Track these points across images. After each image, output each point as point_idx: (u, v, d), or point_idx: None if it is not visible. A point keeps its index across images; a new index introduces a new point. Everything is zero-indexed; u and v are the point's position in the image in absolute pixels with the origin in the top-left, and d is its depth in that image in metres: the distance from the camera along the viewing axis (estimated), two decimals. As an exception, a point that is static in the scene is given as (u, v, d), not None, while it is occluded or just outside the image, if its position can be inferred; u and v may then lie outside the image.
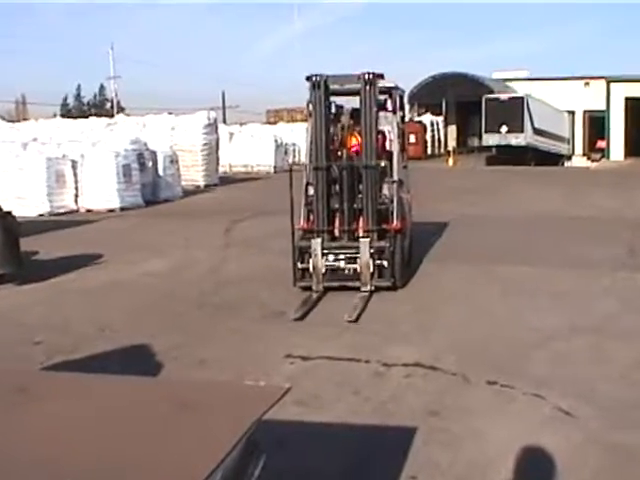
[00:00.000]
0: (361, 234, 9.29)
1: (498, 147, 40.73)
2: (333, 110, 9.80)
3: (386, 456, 4.75)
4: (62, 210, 19.14)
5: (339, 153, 9.54)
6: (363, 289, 9.00)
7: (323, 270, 9.14)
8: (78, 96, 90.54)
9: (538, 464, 4.69)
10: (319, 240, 9.21)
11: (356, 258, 9.09)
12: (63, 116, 48.12)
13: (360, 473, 4.55)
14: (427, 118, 46.97)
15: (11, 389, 2.49)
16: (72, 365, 6.48)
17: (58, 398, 2.45)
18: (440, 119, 47.74)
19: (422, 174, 19.40)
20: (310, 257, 9.17)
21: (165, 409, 2.28)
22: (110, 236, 15.09)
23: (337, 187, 9.38)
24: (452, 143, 46.78)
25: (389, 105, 9.98)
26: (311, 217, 9.45)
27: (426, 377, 6.25)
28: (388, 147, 9.99)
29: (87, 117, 36.32)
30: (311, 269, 9.18)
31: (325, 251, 9.19)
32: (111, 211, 19.08)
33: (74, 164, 19.56)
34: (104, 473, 1.90)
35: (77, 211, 19.37)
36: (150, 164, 21.32)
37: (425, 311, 8.46)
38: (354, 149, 9.60)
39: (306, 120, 10.21)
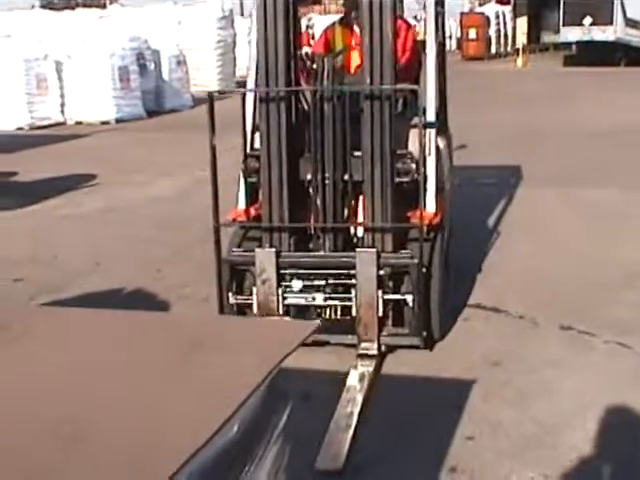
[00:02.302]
0: (360, 234, 5.76)
1: (579, 44, 39.97)
2: None
3: (438, 414, 4.80)
4: (45, 122, 19.21)
5: (319, 72, 5.56)
6: (364, 350, 5.43)
7: (280, 310, 5.46)
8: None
9: (621, 427, 4.72)
10: (271, 250, 5.54)
11: (349, 287, 5.47)
12: (44, 7, 47.86)
13: (410, 434, 4.60)
14: (491, 8, 46.22)
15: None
16: (59, 307, 6.59)
17: (46, 335, 2.48)
18: (507, 9, 46.89)
19: (483, 78, 19.17)
20: (253, 283, 5.57)
21: (174, 348, 2.31)
22: (104, 153, 15.16)
23: (312, 137, 5.57)
24: (522, 39, 45.98)
25: None
26: (259, 197, 5.84)
27: (488, 320, 6.28)
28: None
29: (74, 9, 36.17)
30: (254, 308, 5.54)
31: (285, 271, 5.54)
32: (105, 123, 19.12)
33: (59, 66, 19.54)
34: (97, 420, 1.94)
35: (64, 123, 19.44)
36: (152, 66, 21.29)
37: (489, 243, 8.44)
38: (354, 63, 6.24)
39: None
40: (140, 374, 2.19)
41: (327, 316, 5.54)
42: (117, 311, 2.55)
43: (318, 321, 3.17)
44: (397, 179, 5.51)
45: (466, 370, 5.38)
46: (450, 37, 43.51)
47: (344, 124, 5.51)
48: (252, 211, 5.90)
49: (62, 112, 19.57)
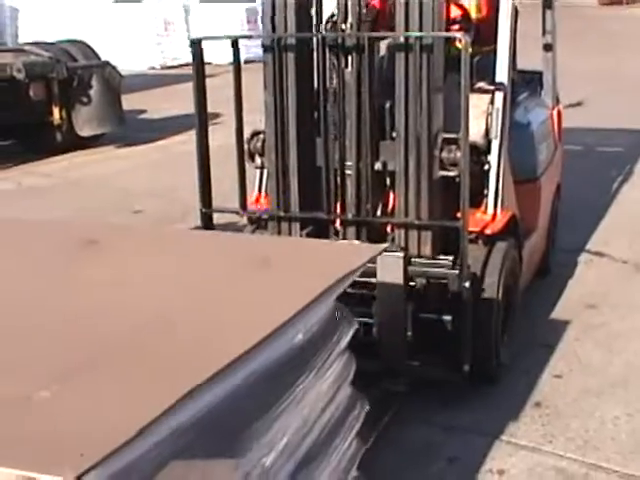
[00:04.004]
0: (383, 245, 3.83)
1: None
2: None
3: (529, 351, 4.84)
4: (176, 62, 19.64)
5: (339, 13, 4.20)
6: (389, 385, 4.17)
7: None
8: None
9: None
10: None
11: (370, 299, 4.12)
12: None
13: (500, 371, 4.65)
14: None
15: (81, 241, 2.73)
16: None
17: (130, 250, 2.68)
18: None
19: (621, 25, 18.43)
20: None
21: (244, 263, 2.48)
22: (230, 92, 15.35)
23: (329, 103, 4.28)
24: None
25: None
26: (264, 181, 4.84)
27: (589, 264, 6.25)
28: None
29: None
30: None
31: None
32: (219, 66, 19.39)
33: (187, 8, 19.91)
34: (173, 323, 2.11)
35: (193, 63, 19.81)
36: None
37: (589, 183, 8.32)
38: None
39: None
40: (210, 286, 2.36)
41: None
42: (197, 231, 2.71)
43: (385, 244, 3.06)
44: (441, 172, 4.12)
45: (562, 311, 5.39)
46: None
47: (369, 86, 4.14)
48: (258, 201, 4.83)
49: (192, 53, 19.97)
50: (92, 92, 10.81)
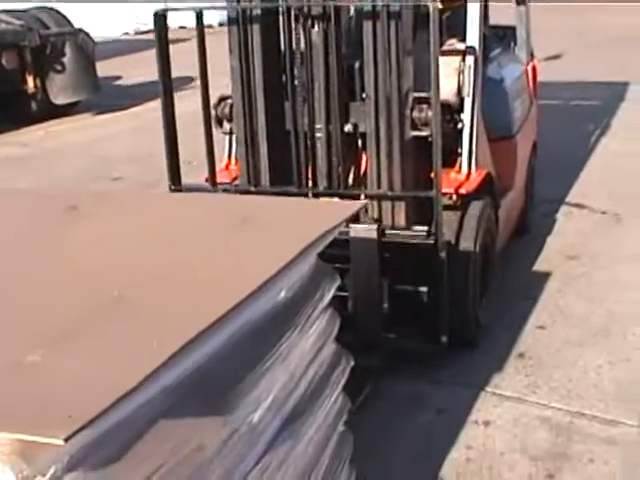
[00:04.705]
0: (362, 201, 3.89)
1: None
2: None
3: (512, 304, 4.87)
4: (149, 28, 19.48)
5: None
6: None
7: None
8: None
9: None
10: None
11: (344, 272, 3.66)
12: None
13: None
14: None
15: (62, 208, 2.73)
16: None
17: (110, 214, 2.68)
18: None
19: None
20: None
21: (225, 222, 2.49)
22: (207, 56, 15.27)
23: (297, 65, 4.14)
24: None
25: None
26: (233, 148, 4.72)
27: (569, 216, 6.29)
28: None
29: None
30: None
31: None
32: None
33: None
34: (155, 284, 2.12)
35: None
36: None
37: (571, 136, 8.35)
38: None
39: None
40: (191, 246, 2.36)
41: None
42: (176, 193, 2.71)
43: (365, 200, 2.96)
44: (412, 132, 4.00)
45: (544, 263, 5.43)
46: None
47: (338, 50, 4.04)
48: (227, 168, 4.76)
49: (165, 17, 19.82)
50: (66, 60, 10.73)
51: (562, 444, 3.57)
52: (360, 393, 3.72)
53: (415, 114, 3.98)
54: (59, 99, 10.82)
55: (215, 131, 4.45)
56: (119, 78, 13.50)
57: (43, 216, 2.71)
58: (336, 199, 3.92)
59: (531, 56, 5.98)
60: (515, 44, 5.82)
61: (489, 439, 3.64)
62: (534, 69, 5.97)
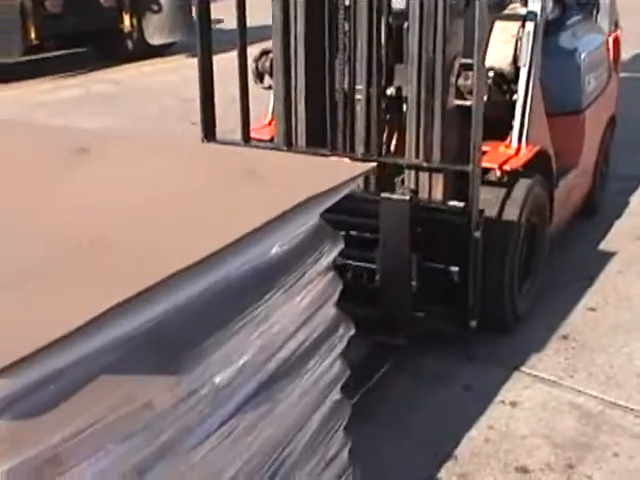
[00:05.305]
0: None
1: None
2: None
3: (568, 284, 4.69)
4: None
5: None
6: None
7: None
8: None
9: None
10: None
11: (373, 243, 3.80)
12: None
13: (536, 302, 4.50)
14: None
15: (72, 149, 2.69)
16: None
17: (119, 160, 2.63)
18: None
19: None
20: None
21: (229, 174, 2.42)
22: None
23: (340, 20, 3.94)
24: None
25: None
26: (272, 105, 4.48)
27: None
28: None
29: None
30: None
31: None
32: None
33: None
34: (134, 232, 2.06)
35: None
36: None
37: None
38: None
39: None
40: (189, 193, 2.29)
41: (348, 279, 3.77)
42: (191, 142, 2.65)
43: (374, 163, 2.78)
44: (456, 101, 3.79)
45: (610, 243, 5.21)
46: None
47: (387, 6, 3.86)
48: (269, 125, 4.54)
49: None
50: (162, 0, 10.75)
51: (588, 434, 3.42)
52: (379, 370, 3.62)
53: (460, 81, 3.73)
54: (154, 39, 10.88)
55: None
56: (220, 22, 13.43)
57: (50, 155, 2.67)
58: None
59: (615, 26, 5.62)
60: (597, 12, 5.45)
61: (513, 421, 3.52)
62: (616, 40, 5.58)
